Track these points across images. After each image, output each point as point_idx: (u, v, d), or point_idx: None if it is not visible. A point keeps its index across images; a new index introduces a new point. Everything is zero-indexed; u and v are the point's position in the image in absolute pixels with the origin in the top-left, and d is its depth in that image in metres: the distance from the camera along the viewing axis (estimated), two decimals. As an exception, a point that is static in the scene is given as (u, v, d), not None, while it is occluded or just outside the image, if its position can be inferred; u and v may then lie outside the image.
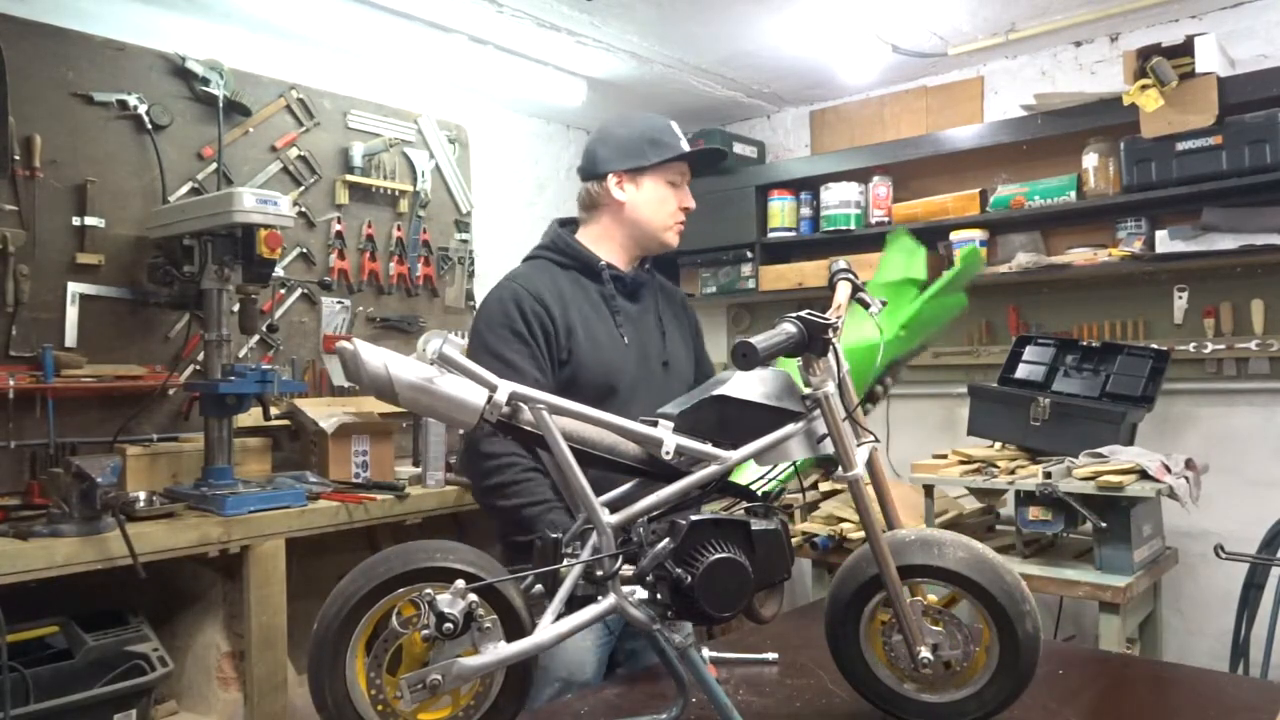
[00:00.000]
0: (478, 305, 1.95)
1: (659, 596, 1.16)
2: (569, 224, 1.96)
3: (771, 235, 3.94)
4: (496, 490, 1.71)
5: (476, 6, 3.00)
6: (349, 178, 3.31)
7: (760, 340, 1.10)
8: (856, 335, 1.43)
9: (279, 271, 3.01)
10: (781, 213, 3.93)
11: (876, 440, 1.30)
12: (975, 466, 2.85)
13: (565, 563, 1.16)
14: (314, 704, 1.07)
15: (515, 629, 1.09)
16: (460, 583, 1.05)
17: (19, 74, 2.52)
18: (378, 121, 3.41)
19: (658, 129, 1.87)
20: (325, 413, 2.92)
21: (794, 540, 2.42)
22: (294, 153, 3.19)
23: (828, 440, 1.19)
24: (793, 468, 1.25)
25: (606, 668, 1.82)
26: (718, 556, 1.14)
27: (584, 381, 1.78)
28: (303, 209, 3.19)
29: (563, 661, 1.71)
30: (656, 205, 1.86)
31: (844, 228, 3.77)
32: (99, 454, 2.47)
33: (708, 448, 1.17)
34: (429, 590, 1.05)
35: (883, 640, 1.26)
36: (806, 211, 3.92)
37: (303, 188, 3.20)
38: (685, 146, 1.88)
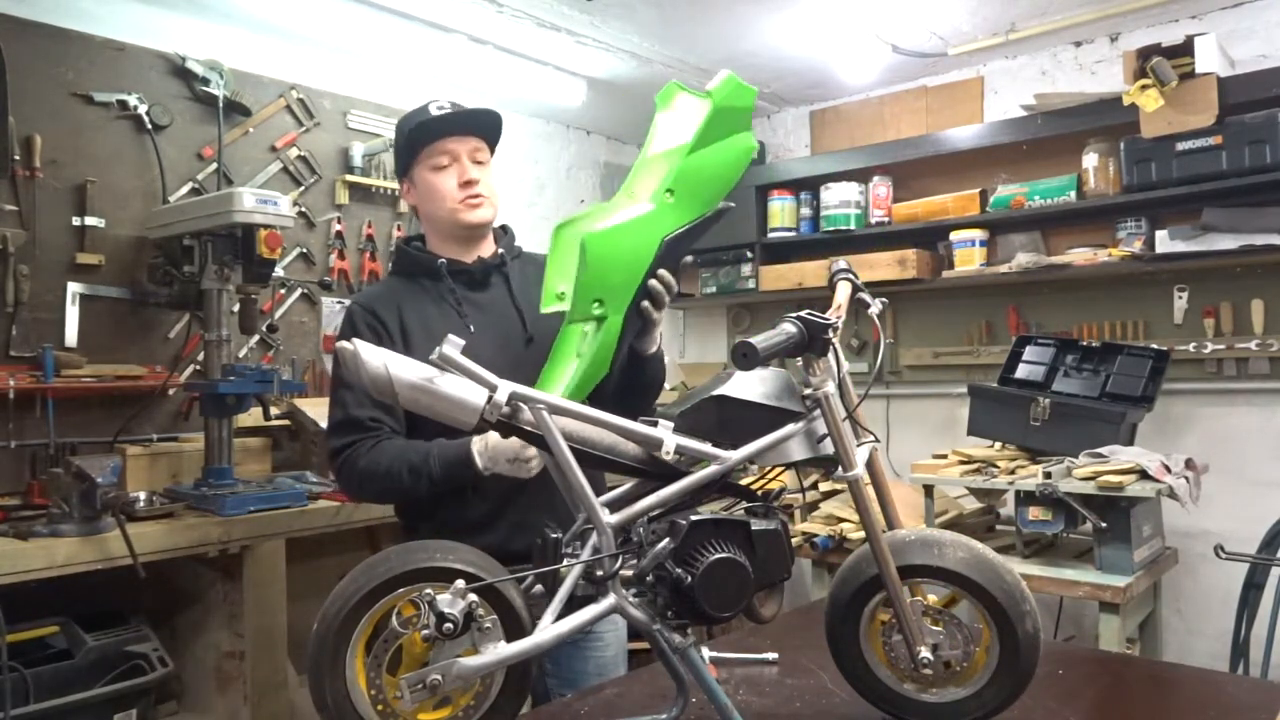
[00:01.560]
0: None
1: (659, 597, 1.16)
2: (419, 237, 1.95)
3: (771, 235, 3.94)
4: (363, 477, 1.72)
5: (476, 6, 3.01)
6: (349, 178, 3.31)
7: (760, 340, 1.10)
8: (616, 216, 1.33)
9: (279, 271, 3.00)
10: (781, 213, 3.93)
11: (876, 440, 1.30)
12: (975, 466, 2.85)
13: (565, 563, 1.16)
14: (314, 704, 1.07)
15: (515, 629, 1.09)
16: (460, 583, 1.05)
17: (19, 74, 2.52)
18: (378, 121, 3.41)
19: (411, 123, 1.82)
20: (325, 413, 2.91)
21: (794, 540, 2.42)
22: (294, 153, 3.19)
23: (828, 440, 1.19)
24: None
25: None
26: (718, 556, 1.14)
27: None
28: (303, 209, 3.18)
29: None
30: (433, 196, 1.82)
31: (844, 228, 3.77)
32: (99, 454, 2.47)
33: (708, 448, 1.17)
34: (429, 590, 1.05)
35: (883, 640, 1.26)
36: (806, 211, 3.93)
37: (303, 188, 3.20)
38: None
